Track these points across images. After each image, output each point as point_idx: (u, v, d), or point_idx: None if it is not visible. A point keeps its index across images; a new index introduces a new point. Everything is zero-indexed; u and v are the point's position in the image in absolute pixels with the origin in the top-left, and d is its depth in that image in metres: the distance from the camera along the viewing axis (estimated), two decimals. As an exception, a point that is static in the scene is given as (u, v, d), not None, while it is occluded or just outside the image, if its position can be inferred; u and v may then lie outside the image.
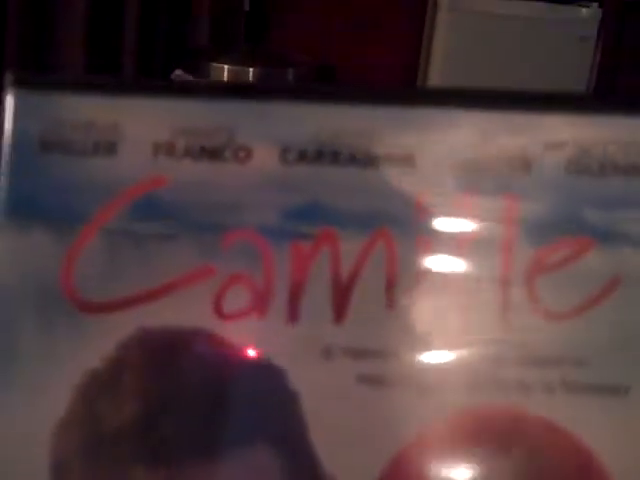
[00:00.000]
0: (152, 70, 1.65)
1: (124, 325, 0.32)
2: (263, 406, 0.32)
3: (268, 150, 0.33)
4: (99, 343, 0.32)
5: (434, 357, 0.33)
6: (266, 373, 0.32)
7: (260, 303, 0.33)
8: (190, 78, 1.54)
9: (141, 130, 0.33)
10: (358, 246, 0.33)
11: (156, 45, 1.68)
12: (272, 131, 0.33)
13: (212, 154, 0.33)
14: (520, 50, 1.89)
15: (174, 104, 0.33)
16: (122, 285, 0.33)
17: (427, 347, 0.33)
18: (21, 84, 0.33)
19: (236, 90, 0.33)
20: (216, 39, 1.75)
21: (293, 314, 0.32)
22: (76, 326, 0.32)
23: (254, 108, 0.33)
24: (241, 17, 1.75)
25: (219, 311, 0.33)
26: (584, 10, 1.94)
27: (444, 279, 0.33)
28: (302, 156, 0.33)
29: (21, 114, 0.33)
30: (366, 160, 0.33)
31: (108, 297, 0.33)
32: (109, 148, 0.33)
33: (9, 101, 0.33)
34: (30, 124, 0.33)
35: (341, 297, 0.33)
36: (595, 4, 1.95)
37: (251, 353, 0.32)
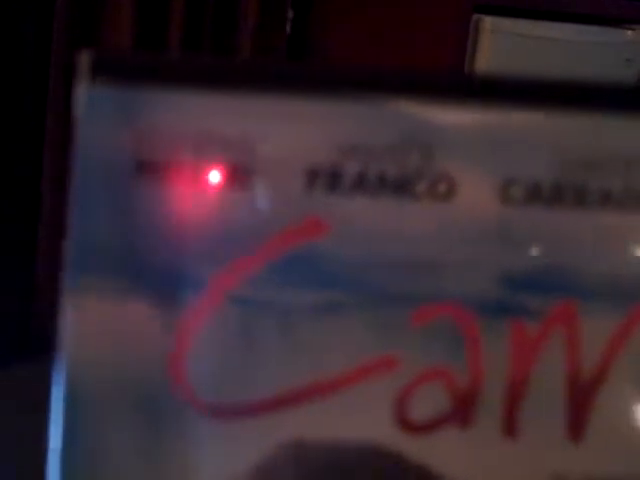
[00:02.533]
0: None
1: (267, 436, 0.22)
2: None
3: (482, 182, 0.22)
4: (232, 460, 0.22)
5: None
6: None
7: (463, 409, 0.22)
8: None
9: (287, 148, 0.22)
10: (608, 329, 0.22)
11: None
12: (490, 153, 0.22)
13: (397, 186, 0.22)
14: (564, 73, 1.78)
15: (341, 107, 0.22)
16: (262, 381, 0.22)
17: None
18: (103, 71, 0.21)
19: (440, 87, 0.22)
20: (258, 54, 1.62)
21: (511, 425, 0.22)
22: (196, 436, 0.22)
23: (463, 115, 0.22)
24: (283, 33, 1.64)
25: (404, 419, 0.22)
26: (629, 33, 1.83)
27: None
28: (534, 193, 0.22)
29: (106, 119, 0.21)
30: (628, 202, 0.22)
31: (242, 397, 0.22)
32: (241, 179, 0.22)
33: (83, 98, 0.21)
34: (120, 135, 0.21)
35: (581, 403, 0.23)
36: (641, 27, 1.82)
37: (450, 479, 0.23)
